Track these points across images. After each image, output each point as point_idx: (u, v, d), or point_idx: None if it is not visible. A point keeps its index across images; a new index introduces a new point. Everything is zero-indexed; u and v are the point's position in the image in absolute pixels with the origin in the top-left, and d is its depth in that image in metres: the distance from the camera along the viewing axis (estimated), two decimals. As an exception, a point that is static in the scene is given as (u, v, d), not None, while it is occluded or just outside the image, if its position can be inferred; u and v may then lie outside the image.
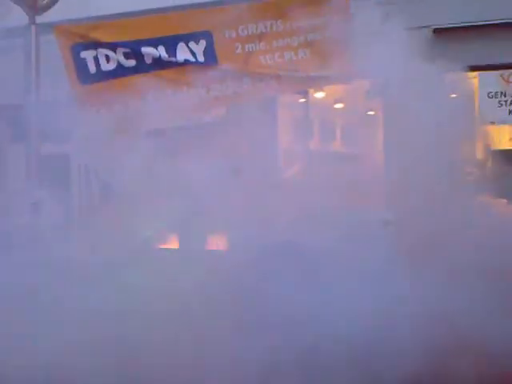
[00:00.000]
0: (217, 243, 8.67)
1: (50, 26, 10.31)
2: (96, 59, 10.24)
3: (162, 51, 10.10)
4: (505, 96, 12.25)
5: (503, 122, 12.79)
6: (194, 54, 10.12)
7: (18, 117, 10.02)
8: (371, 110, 15.15)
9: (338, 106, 15.58)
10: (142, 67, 10.11)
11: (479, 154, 15.96)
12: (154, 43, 10.10)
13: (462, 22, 12.37)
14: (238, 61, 10.08)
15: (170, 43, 10.09)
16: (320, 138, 15.86)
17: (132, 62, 10.15)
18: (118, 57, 10.17)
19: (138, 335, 6.77)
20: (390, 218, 8.22)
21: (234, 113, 10.73)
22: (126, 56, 10.14)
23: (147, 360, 6.64)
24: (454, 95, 12.43)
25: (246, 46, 10.04)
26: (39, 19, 10.28)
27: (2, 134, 9.64)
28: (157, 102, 9.97)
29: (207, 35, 10.08)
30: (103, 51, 10.21)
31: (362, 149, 16.77)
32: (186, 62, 10.08)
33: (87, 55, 10.24)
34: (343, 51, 9.60)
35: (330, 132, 16.24)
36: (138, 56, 10.11)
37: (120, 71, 10.21)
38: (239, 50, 10.06)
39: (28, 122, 9.95)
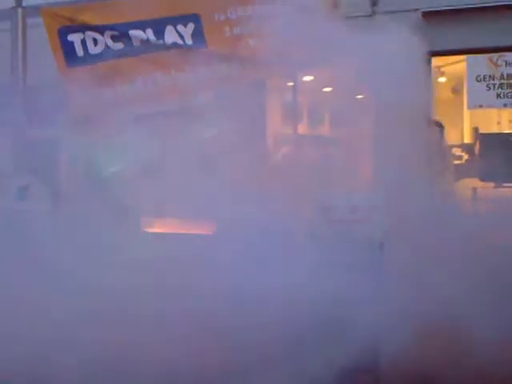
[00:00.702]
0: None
1: (37, 9, 10.22)
2: (83, 42, 10.15)
3: (150, 34, 10.03)
4: (493, 79, 12.24)
5: (491, 106, 12.79)
6: (182, 37, 10.05)
7: (5, 101, 9.94)
8: (361, 94, 15.17)
9: (328, 89, 15.55)
10: (129, 50, 10.03)
11: (467, 138, 16.05)
12: (142, 26, 10.03)
13: (451, 6, 12.34)
14: (226, 44, 10.01)
15: (159, 26, 10.01)
16: (308, 122, 15.86)
17: (120, 45, 10.07)
18: (106, 40, 10.09)
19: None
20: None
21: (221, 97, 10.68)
22: (114, 39, 10.06)
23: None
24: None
25: (235, 30, 9.97)
26: (26, 2, 10.21)
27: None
28: (145, 85, 9.93)
29: (196, 18, 10.01)
30: (91, 34, 10.12)
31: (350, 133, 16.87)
32: (175, 45, 10.00)
33: (75, 38, 10.15)
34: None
35: (318, 116, 16.24)
36: (126, 39, 10.03)
37: (108, 54, 10.13)
38: (228, 34, 9.99)
39: (15, 106, 9.88)
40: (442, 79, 14.10)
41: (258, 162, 8.98)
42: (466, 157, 15.00)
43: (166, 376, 6.05)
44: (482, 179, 14.18)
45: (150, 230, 8.83)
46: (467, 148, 15.32)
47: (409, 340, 6.12)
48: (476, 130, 16.00)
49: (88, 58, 10.14)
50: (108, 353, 6.13)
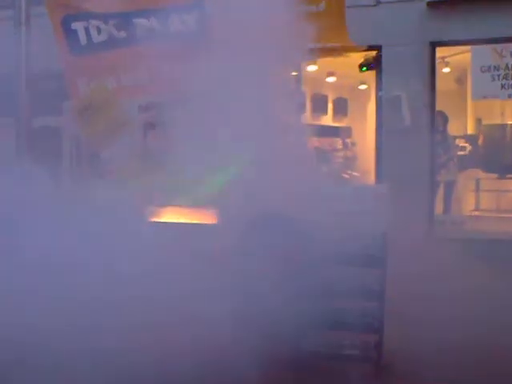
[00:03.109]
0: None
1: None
2: (87, 30, 10.11)
3: (154, 22, 9.98)
4: (498, 70, 12.18)
5: (495, 97, 12.74)
6: (186, 25, 10.00)
7: (9, 89, 9.92)
8: (364, 84, 15.17)
9: (331, 79, 15.55)
10: (133, 39, 9.98)
11: (470, 129, 16.03)
12: (146, 14, 9.98)
13: (456, -4, 12.29)
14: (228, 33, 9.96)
15: (163, 14, 9.96)
16: (312, 110, 15.85)
17: (124, 34, 10.03)
18: (110, 28, 10.04)
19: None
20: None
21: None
22: (118, 27, 10.01)
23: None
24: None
25: (239, 18, 9.92)
26: (30, -10, 10.15)
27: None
28: (149, 73, 9.90)
29: (200, 6, 9.96)
30: (94, 22, 10.08)
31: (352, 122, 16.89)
32: (179, 32, 9.95)
33: (78, 26, 10.12)
34: (338, 23, 9.57)
35: (321, 105, 16.24)
36: (130, 27, 9.99)
37: (111, 43, 10.08)
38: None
39: (18, 95, 9.84)
40: (446, 70, 14.03)
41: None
42: (469, 148, 14.98)
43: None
44: (486, 170, 14.19)
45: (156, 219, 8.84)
46: (471, 139, 15.30)
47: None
48: (479, 121, 15.98)
49: (92, 46, 10.10)
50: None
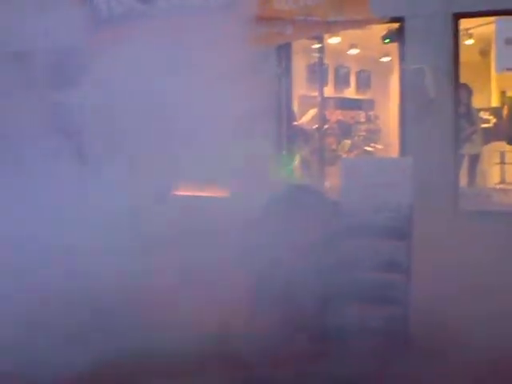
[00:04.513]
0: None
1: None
2: (108, 3, 10.07)
3: (175, -4, 9.92)
4: (523, 42, 12.00)
5: (520, 69, 12.57)
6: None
7: (30, 64, 9.88)
8: (387, 56, 15.04)
9: (353, 51, 15.44)
10: (154, 12, 9.93)
11: (495, 102, 15.87)
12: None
13: (481, -34, 12.11)
14: (252, 6, 9.87)
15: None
16: (334, 83, 15.76)
17: (144, 7, 9.98)
18: (130, 1, 10.00)
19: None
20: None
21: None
22: (139, 0, 9.97)
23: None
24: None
25: (262, -10, 9.83)
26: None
27: (14, 82, 9.51)
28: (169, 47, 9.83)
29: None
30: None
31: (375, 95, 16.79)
32: (200, 6, 9.88)
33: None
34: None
35: (344, 78, 16.14)
36: (151, 0, 9.94)
37: (132, 15, 10.04)
38: (255, -5, 9.85)
39: (39, 69, 9.81)
40: (470, 42, 13.86)
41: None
42: (493, 120, 14.84)
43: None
44: (510, 143, 14.05)
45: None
46: (495, 112, 15.14)
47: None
48: (504, 93, 15.81)
49: (113, 18, 10.06)
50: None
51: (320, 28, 10.12)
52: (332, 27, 10.15)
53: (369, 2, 10.00)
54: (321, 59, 12.58)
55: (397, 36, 11.89)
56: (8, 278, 7.10)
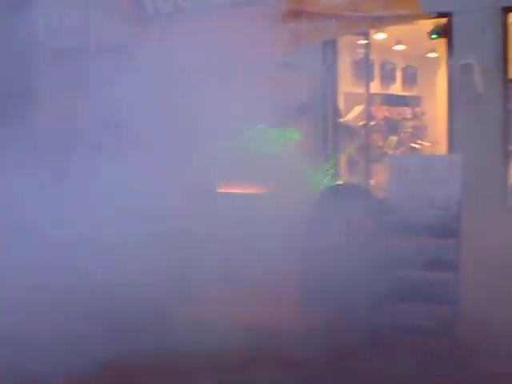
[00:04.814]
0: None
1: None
2: (154, 1, 10.09)
3: (218, -8, 9.91)
4: None
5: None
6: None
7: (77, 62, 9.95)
8: (433, 52, 14.87)
9: (399, 47, 15.29)
10: (199, 9, 9.92)
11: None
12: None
13: None
14: (297, 1, 9.81)
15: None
16: (380, 79, 15.61)
17: (189, 4, 9.97)
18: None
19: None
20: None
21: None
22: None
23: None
24: None
25: (306, -14, 9.77)
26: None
27: (62, 80, 9.59)
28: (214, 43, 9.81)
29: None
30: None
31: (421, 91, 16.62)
32: (244, 4, 9.84)
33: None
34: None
35: (390, 74, 15.98)
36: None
37: (177, 13, 10.04)
38: (299, -10, 9.79)
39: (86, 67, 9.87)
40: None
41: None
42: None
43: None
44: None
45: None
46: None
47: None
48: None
49: (158, 16, 10.07)
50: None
51: (366, 23, 10.02)
52: (378, 23, 10.04)
53: (417, -4, 9.89)
54: (367, 55, 12.48)
55: (444, 31, 11.75)
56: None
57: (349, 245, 7.11)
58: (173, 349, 6.48)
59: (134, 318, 7.19)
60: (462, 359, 6.61)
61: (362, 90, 12.69)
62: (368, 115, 12.70)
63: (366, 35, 12.27)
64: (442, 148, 12.35)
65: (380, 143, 15.08)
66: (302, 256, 7.26)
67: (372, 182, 11.88)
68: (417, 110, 16.66)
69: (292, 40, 9.79)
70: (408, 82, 16.57)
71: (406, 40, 14.93)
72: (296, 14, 9.65)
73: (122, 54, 9.37)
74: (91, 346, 6.55)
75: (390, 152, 14.86)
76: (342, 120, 13.22)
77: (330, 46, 11.75)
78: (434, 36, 12.05)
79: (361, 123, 13.16)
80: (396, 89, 16.40)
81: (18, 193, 8.18)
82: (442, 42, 12.16)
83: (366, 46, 12.40)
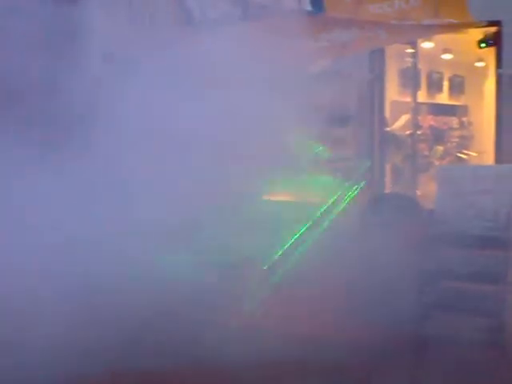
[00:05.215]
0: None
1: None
2: (201, 6, 10.12)
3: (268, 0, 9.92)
4: None
5: None
6: (300, 2, 9.89)
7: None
8: (481, 61, 14.74)
9: (447, 56, 15.18)
10: (247, 15, 9.94)
11: None
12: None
13: None
14: (346, 10, 9.78)
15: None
16: (427, 88, 15.51)
17: (238, 10, 9.99)
18: (225, 4, 10.02)
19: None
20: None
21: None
22: (233, 3, 9.98)
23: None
24: None
25: (355, -5, 9.74)
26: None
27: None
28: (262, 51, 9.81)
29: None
30: (210, -1, 10.11)
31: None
32: (293, 10, 9.84)
33: (192, 1, 10.14)
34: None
35: (437, 83, 15.88)
36: (245, 4, 9.94)
37: (225, 19, 10.06)
38: (348, -1, 9.77)
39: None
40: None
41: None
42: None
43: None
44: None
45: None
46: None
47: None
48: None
49: (206, 21, 10.10)
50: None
51: (415, 32, 9.98)
52: (428, 31, 10.00)
53: (467, 5, 9.81)
54: (414, 64, 12.41)
55: (494, 40, 11.66)
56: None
57: (396, 255, 7.05)
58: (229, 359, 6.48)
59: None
60: (509, 371, 6.54)
61: (408, 99, 12.63)
62: (415, 124, 12.62)
63: (414, 44, 12.20)
64: (489, 158, 12.24)
65: (426, 153, 14.97)
66: (350, 266, 7.22)
67: (418, 191, 11.79)
68: (464, 119, 16.52)
69: (341, 48, 9.77)
70: (455, 91, 16.43)
71: (454, 49, 14.81)
72: (346, 23, 9.62)
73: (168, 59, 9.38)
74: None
75: (436, 162, 14.76)
76: (388, 129, 13.16)
77: (378, 54, 11.70)
78: (482, 45, 11.96)
79: (407, 132, 13.08)
80: (443, 98, 16.27)
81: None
82: (490, 51, 12.08)
83: (414, 54, 12.33)
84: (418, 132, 13.43)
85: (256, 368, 6.27)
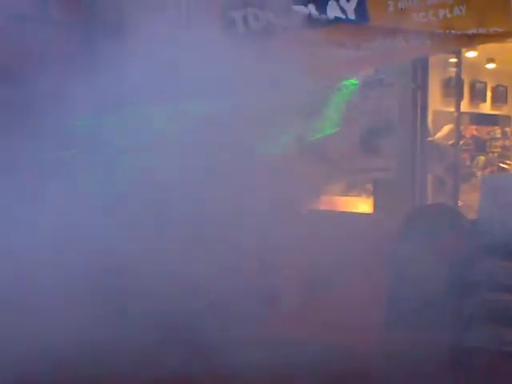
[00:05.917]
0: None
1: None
2: (245, 18, 10.15)
3: (312, 9, 9.91)
4: None
5: None
6: (344, 11, 9.87)
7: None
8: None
9: (490, 65, 15.10)
10: (291, 26, 9.93)
11: None
12: (305, 1, 9.93)
13: None
14: (390, 19, 9.74)
15: (321, 1, 9.87)
16: (470, 98, 15.45)
17: (282, 21, 9.99)
18: (268, 15, 10.03)
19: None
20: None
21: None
22: (276, 15, 9.99)
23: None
24: None
25: (399, 4, 9.68)
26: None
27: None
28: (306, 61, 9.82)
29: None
30: (252, 10, 10.09)
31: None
32: (337, 20, 9.84)
33: (236, 15, 10.17)
34: (502, 7, 9.20)
35: (480, 92, 15.80)
36: (288, 14, 9.94)
37: (269, 30, 10.07)
38: (391, 8, 9.70)
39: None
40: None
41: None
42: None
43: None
44: None
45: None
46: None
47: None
48: None
49: (249, 34, 10.12)
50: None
51: (460, 41, 9.88)
52: (472, 40, 9.89)
53: (512, 13, 9.73)
54: (458, 74, 12.34)
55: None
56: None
57: (438, 266, 7.02)
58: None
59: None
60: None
61: (451, 109, 12.56)
62: (458, 134, 12.55)
63: (457, 53, 12.14)
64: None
65: (468, 163, 14.91)
66: (391, 276, 7.20)
67: (460, 202, 11.72)
68: (506, 129, 16.43)
69: (385, 57, 9.75)
70: (498, 101, 16.35)
71: (498, 58, 14.74)
72: (390, 32, 9.58)
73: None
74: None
75: (478, 172, 14.68)
76: (431, 139, 13.10)
77: (421, 63, 11.63)
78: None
79: (450, 142, 13.01)
80: (485, 108, 16.19)
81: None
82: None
83: (457, 64, 12.27)
84: (461, 142, 13.37)
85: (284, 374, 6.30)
